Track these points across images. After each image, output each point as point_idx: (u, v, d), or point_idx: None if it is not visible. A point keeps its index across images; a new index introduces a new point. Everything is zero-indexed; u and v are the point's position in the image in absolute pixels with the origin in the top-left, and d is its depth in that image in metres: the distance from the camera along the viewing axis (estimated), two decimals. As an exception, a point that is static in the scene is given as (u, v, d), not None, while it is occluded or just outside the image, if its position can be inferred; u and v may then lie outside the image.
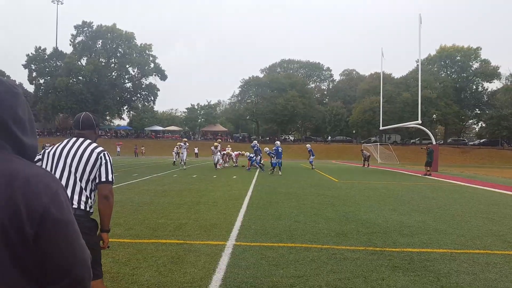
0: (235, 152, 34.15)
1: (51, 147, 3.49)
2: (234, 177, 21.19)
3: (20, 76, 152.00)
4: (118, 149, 60.81)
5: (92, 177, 3.31)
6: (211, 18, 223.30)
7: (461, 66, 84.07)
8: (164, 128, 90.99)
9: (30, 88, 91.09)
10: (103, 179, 3.34)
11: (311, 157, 32.28)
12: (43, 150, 3.52)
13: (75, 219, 1.43)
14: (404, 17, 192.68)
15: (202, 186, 15.69)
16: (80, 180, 3.25)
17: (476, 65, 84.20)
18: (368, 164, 38.63)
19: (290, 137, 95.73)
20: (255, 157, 28.13)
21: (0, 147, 1.33)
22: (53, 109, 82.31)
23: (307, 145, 34.20)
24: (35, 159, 3.44)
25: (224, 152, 31.62)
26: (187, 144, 27.73)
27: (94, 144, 3.42)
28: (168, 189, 14.49)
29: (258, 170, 26.80)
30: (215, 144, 23.63)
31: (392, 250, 6.36)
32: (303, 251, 6.23)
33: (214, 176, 21.03)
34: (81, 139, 3.41)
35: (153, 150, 68.72)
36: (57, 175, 3.23)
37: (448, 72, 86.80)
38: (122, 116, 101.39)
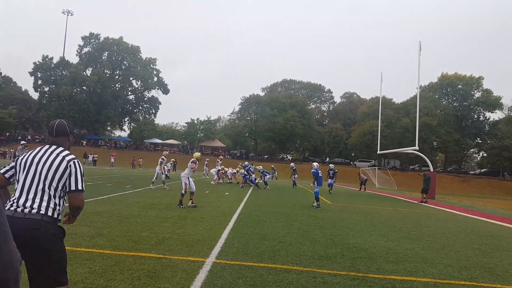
0: (231, 170, 34.09)
1: (24, 154, 3.45)
2: (227, 193, 21.04)
3: (27, 83, 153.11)
4: (112, 160, 60.79)
5: (61, 184, 3.30)
6: (216, 37, 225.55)
7: (463, 95, 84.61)
8: (163, 141, 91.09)
9: (35, 95, 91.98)
10: (73, 188, 3.32)
11: (295, 175, 33.67)
12: (16, 158, 3.49)
13: (7, 221, 1.39)
14: (407, 43, 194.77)
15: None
16: (49, 188, 3.24)
17: (478, 94, 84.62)
18: (365, 188, 38.47)
19: (288, 157, 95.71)
20: (248, 176, 28.24)
21: None
22: (56, 117, 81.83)
23: (291, 164, 35.11)
24: (9, 166, 3.44)
25: (219, 168, 31.57)
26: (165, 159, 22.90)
27: (66, 152, 3.42)
28: (158, 202, 14.36)
29: (251, 188, 26.67)
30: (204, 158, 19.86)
31: (374, 277, 6.21)
32: (283, 272, 6.09)
33: (207, 192, 20.91)
34: (53, 147, 3.42)
35: (151, 163, 68.51)
36: (27, 182, 3.24)
37: (449, 100, 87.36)
38: (123, 128, 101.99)
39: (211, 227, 9.70)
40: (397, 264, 7.23)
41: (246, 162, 31.67)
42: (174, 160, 38.97)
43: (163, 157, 22.23)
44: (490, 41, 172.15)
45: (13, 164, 3.44)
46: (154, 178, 21.74)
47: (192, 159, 14.61)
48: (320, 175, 17.80)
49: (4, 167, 3.49)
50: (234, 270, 6.01)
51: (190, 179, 14.17)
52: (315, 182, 17.47)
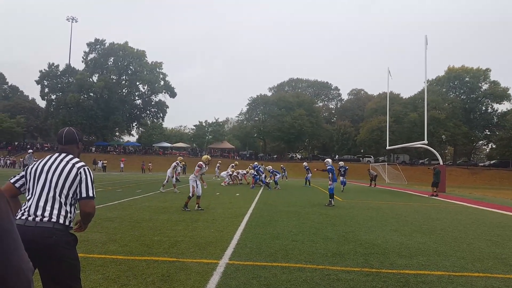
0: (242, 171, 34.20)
1: (34, 163, 3.48)
2: (237, 194, 21.08)
3: (33, 91, 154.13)
4: (122, 165, 60.98)
5: (71, 192, 3.30)
6: (221, 39, 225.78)
7: (470, 87, 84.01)
8: (172, 145, 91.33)
9: (42, 104, 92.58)
10: (84, 195, 3.32)
11: (309, 174, 33.67)
12: (26, 167, 3.52)
13: (16, 229, 1.40)
14: (414, 37, 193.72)
15: (204, 203, 15.45)
16: (60, 195, 3.25)
17: (485, 86, 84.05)
18: (375, 184, 38.34)
19: (298, 156, 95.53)
20: (258, 176, 28.24)
21: None
22: (64, 125, 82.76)
23: (304, 163, 35.42)
24: (19, 176, 3.46)
25: (230, 172, 31.66)
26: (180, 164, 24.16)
27: (75, 159, 3.43)
28: (169, 206, 14.43)
29: (262, 188, 26.71)
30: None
31: (388, 272, 6.21)
32: (296, 271, 6.10)
33: (217, 193, 20.97)
34: (63, 154, 3.44)
35: (161, 167, 68.69)
36: (38, 190, 3.26)
37: (457, 92, 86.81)
38: (131, 133, 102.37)
39: (223, 229, 9.73)
40: (410, 258, 7.22)
41: (256, 163, 31.72)
42: (184, 163, 38.99)
43: (178, 162, 22.45)
44: (497, 32, 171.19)
45: (23, 173, 3.45)
46: (165, 181, 21.84)
47: (198, 163, 14.40)
48: (333, 170, 17.27)
49: (15, 176, 3.49)
50: (248, 271, 6.03)
51: (198, 183, 14.04)
52: (331, 178, 17.04)
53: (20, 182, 3.44)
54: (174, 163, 22.35)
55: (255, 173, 28.77)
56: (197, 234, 8.93)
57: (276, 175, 29.24)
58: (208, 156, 15.16)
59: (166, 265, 6.22)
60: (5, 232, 1.33)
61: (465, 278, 6.07)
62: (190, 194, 13.70)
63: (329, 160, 18.15)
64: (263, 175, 28.41)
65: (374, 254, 7.43)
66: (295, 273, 5.97)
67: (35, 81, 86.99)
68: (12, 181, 3.44)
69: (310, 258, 6.94)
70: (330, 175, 17.08)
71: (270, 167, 31.16)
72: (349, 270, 6.23)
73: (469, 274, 6.27)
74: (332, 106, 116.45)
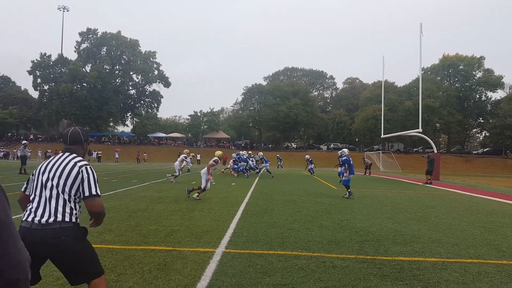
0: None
1: (41, 164, 3.53)
2: (233, 184, 21.13)
3: (25, 82, 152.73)
4: (117, 156, 60.87)
5: (74, 190, 3.32)
6: (217, 29, 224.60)
7: (464, 75, 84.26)
8: (167, 135, 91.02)
9: (35, 94, 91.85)
10: (87, 193, 3.32)
11: (312, 165, 33.84)
12: (34, 170, 3.55)
13: (13, 221, 1.40)
14: (408, 26, 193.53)
15: (200, 193, 15.58)
16: (63, 193, 3.27)
17: (479, 74, 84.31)
18: (370, 172, 38.51)
19: (293, 145, 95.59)
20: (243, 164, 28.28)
21: None
22: (57, 115, 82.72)
23: (306, 156, 35.78)
24: (26, 183, 3.49)
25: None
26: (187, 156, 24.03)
27: (78, 158, 3.46)
28: (165, 196, 14.45)
29: (257, 177, 26.77)
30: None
31: (383, 259, 6.27)
32: (292, 258, 6.15)
33: (213, 183, 20.99)
34: (66, 153, 3.48)
35: (156, 157, 68.84)
36: (42, 189, 3.29)
37: (451, 81, 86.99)
38: (126, 123, 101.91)
39: (219, 218, 9.77)
40: (404, 245, 7.29)
41: (243, 152, 31.54)
42: (192, 154, 37.60)
43: (185, 155, 22.40)
44: (491, 20, 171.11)
45: (31, 176, 3.47)
46: (176, 173, 21.37)
47: (214, 159, 14.18)
48: (351, 162, 15.98)
49: (24, 185, 3.54)
50: (244, 259, 6.07)
51: (210, 177, 13.97)
52: (347, 170, 15.77)
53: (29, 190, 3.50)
54: (182, 156, 22.24)
55: (235, 158, 28.73)
56: (193, 223, 8.96)
57: (263, 162, 29.59)
58: (221, 152, 14.92)
59: (163, 254, 6.24)
60: (1, 224, 1.33)
61: (459, 264, 6.13)
62: (207, 188, 13.75)
63: (345, 150, 16.68)
64: (242, 163, 28.27)
65: (369, 242, 7.49)
66: (291, 261, 6.02)
67: (27, 71, 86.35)
68: (23, 190, 3.50)
69: (306, 246, 6.99)
70: (346, 166, 15.79)
71: (261, 153, 31.59)
72: (344, 257, 6.29)
73: (462, 260, 6.34)
74: (327, 95, 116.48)
